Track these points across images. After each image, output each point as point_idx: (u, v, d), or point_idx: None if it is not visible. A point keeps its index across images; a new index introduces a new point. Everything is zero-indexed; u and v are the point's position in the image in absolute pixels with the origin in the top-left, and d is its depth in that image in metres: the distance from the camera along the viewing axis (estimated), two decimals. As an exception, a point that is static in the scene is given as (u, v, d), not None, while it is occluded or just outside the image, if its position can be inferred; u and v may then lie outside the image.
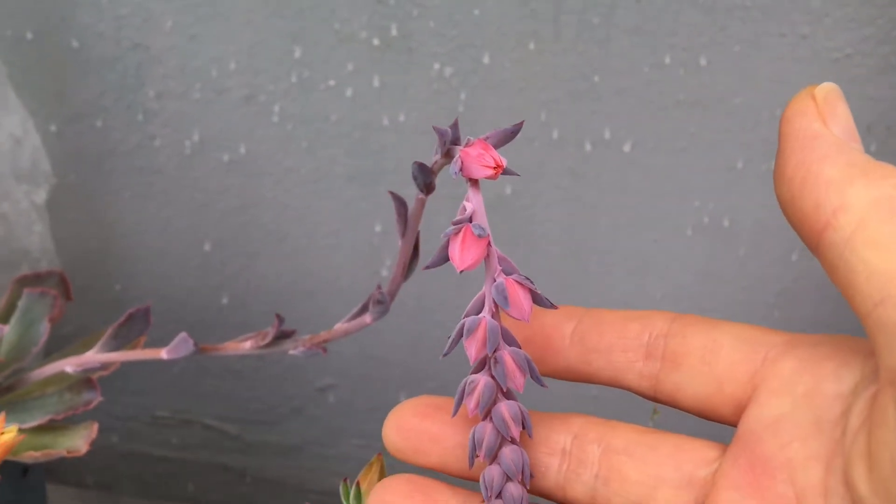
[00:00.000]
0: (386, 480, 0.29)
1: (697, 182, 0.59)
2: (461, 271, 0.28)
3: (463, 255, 0.28)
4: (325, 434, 0.72)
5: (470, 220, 0.28)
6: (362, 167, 0.61)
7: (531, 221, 0.62)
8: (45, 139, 0.61)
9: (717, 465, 0.27)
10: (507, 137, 0.29)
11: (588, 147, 0.59)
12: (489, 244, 0.29)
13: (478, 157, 0.28)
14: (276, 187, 0.63)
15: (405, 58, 0.58)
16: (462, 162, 0.28)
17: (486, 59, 0.57)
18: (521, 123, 0.29)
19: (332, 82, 0.59)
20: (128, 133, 0.62)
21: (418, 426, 0.28)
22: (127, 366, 0.70)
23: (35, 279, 0.46)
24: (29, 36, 0.59)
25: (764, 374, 0.27)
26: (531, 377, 0.29)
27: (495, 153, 0.28)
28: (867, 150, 0.60)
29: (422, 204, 0.34)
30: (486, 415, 0.29)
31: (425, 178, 0.32)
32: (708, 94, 0.57)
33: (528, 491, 0.29)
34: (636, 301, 0.64)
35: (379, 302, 0.36)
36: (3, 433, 0.30)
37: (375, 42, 0.57)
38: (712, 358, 0.28)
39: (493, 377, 0.29)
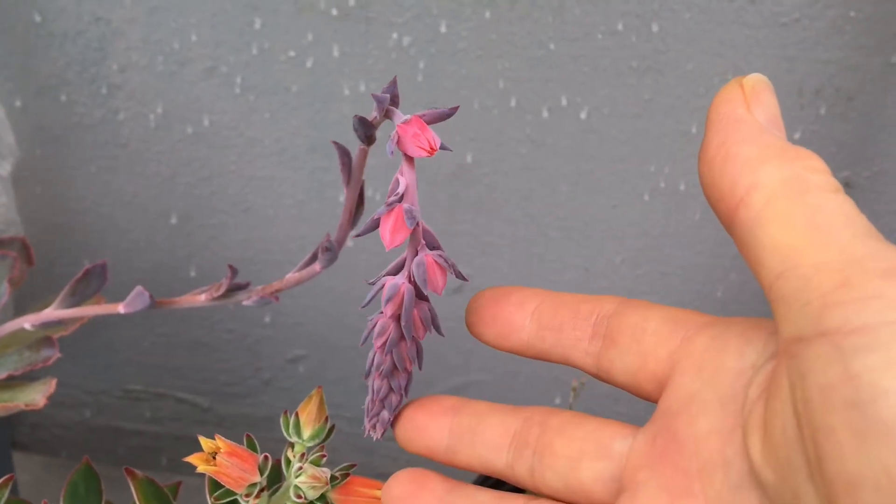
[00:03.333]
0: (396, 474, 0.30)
1: (653, 147, 0.61)
2: (389, 248, 0.29)
3: (393, 236, 0.29)
4: (295, 405, 0.73)
5: (401, 198, 0.29)
6: (324, 137, 0.62)
7: (492, 189, 0.63)
8: (10, 113, 0.62)
9: (632, 440, 0.29)
10: (441, 117, 0.30)
11: (545, 114, 0.60)
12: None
13: (414, 137, 0.28)
14: (240, 159, 0.64)
15: (364, 27, 0.58)
16: (399, 137, 0.29)
17: (443, 28, 0.58)
18: (457, 108, 0.30)
19: (292, 53, 0.60)
20: (92, 107, 0.63)
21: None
22: (99, 340, 0.71)
23: (-4, 245, 0.47)
24: (-9, 10, 0.60)
25: (680, 353, 0.28)
26: (434, 328, 0.31)
27: (431, 134, 0.29)
28: (816, 114, 0.61)
29: (364, 154, 0.35)
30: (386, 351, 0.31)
31: (366, 131, 0.33)
32: (661, 60, 0.58)
33: (485, 473, 0.31)
34: (596, 265, 0.65)
35: (327, 249, 0.37)
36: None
37: (334, 12, 0.58)
38: (641, 335, 0.29)
39: (401, 328, 0.30)
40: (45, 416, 0.74)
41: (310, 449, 0.30)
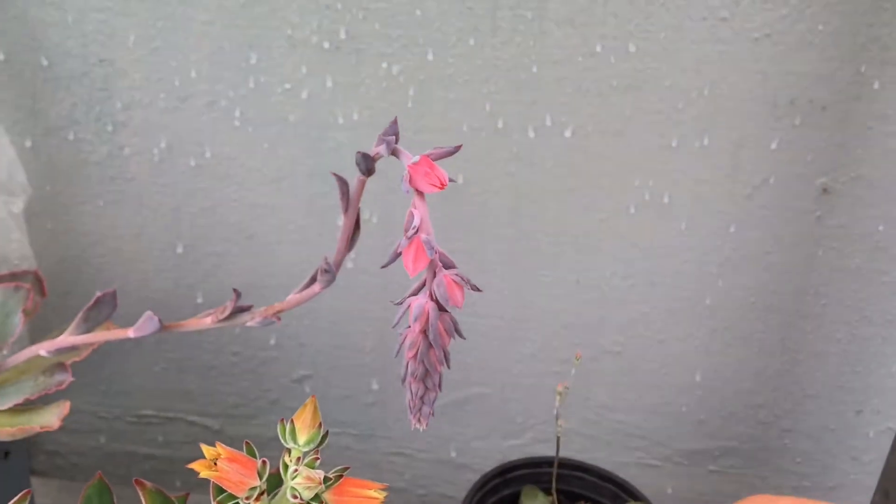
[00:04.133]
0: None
1: (636, 162, 0.63)
2: (413, 275, 0.32)
3: (415, 265, 0.32)
4: (303, 424, 0.75)
5: (417, 231, 0.32)
6: (321, 164, 0.65)
7: (484, 207, 0.65)
8: (21, 153, 0.65)
9: None
10: (446, 155, 0.34)
11: (532, 134, 0.63)
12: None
13: (425, 175, 0.32)
14: (241, 188, 0.66)
15: (355, 59, 0.61)
16: (410, 176, 0.32)
17: (430, 56, 0.61)
18: (460, 146, 0.34)
19: (287, 85, 0.62)
20: (99, 144, 0.66)
21: None
22: (111, 368, 0.74)
23: (10, 277, 0.49)
24: (1, 57, 0.63)
25: None
26: (456, 334, 0.34)
27: (440, 172, 0.32)
28: (792, 124, 0.64)
29: (362, 184, 0.37)
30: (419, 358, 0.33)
31: (367, 165, 0.36)
32: (639, 78, 0.60)
33: None
34: (587, 277, 0.67)
35: (325, 271, 0.39)
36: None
37: (326, 45, 0.61)
38: None
39: (429, 339, 0.33)
40: (62, 443, 0.77)
41: (305, 453, 0.32)
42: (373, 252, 0.68)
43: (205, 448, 0.31)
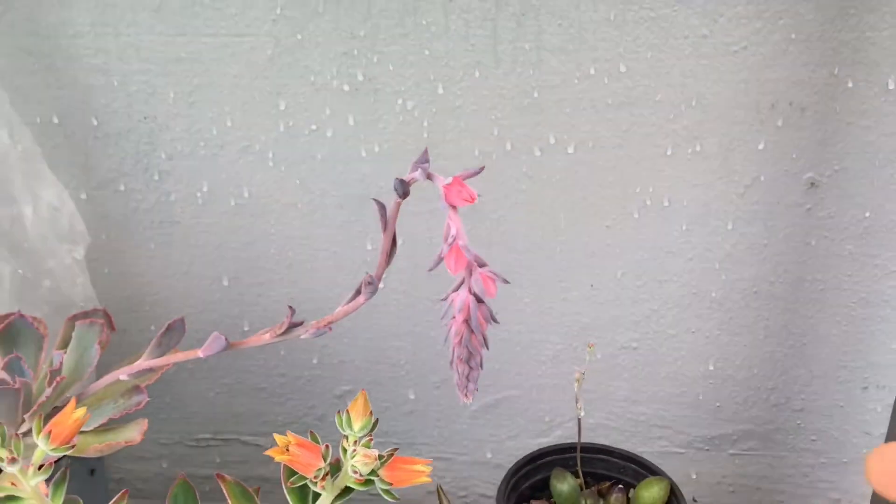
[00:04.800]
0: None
1: (635, 171, 0.69)
2: (454, 274, 0.38)
3: (456, 266, 0.38)
4: (348, 437, 0.81)
5: (454, 239, 0.38)
6: (349, 195, 0.71)
7: (500, 223, 0.71)
8: (78, 205, 0.71)
9: None
10: (474, 174, 0.40)
11: (538, 153, 0.69)
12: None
13: (458, 193, 0.38)
14: (278, 222, 0.73)
15: (372, 98, 0.68)
16: (445, 194, 0.38)
17: (440, 90, 0.67)
18: (483, 167, 0.40)
19: (314, 126, 0.69)
20: (147, 192, 0.72)
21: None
22: (170, 396, 0.80)
23: (84, 315, 0.56)
24: (55, 120, 0.70)
25: None
26: (493, 320, 0.39)
27: (469, 189, 0.38)
28: (775, 126, 0.70)
29: (398, 206, 0.43)
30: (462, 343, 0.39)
31: (404, 189, 0.42)
32: (631, 95, 0.66)
33: None
34: (600, 281, 0.72)
35: (369, 283, 0.45)
36: (74, 415, 0.39)
37: (346, 88, 0.67)
38: None
39: (470, 327, 0.38)
40: (127, 470, 0.83)
41: (360, 438, 0.38)
42: (401, 272, 0.74)
43: (277, 437, 0.37)
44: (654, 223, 0.70)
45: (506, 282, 0.40)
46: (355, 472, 0.37)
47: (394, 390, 0.78)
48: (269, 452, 0.37)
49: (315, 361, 0.78)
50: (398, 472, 0.37)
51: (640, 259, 0.72)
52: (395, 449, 0.38)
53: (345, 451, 0.38)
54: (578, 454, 0.56)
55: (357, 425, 0.38)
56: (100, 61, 0.68)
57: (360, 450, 0.37)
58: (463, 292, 0.37)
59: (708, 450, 0.79)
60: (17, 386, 0.49)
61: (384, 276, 0.76)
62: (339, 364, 0.78)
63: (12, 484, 0.38)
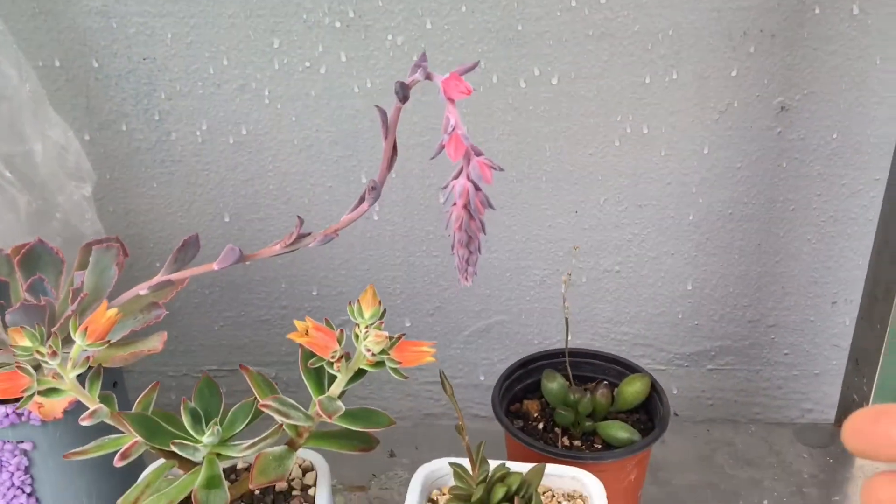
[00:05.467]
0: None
1: (616, 100, 0.72)
2: (455, 161, 0.41)
3: (456, 152, 0.40)
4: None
5: (454, 128, 0.41)
6: (343, 131, 0.74)
7: (488, 153, 0.74)
8: (82, 145, 0.74)
9: None
10: (469, 69, 0.42)
11: (523, 85, 0.72)
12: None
13: (455, 85, 0.40)
14: (275, 158, 0.76)
15: (363, 34, 0.70)
16: (444, 88, 0.41)
17: (428, 25, 0.70)
18: (476, 63, 0.42)
19: (307, 63, 0.72)
20: (148, 132, 0.75)
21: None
22: (177, 329, 0.84)
23: (98, 242, 0.59)
24: (57, 63, 0.72)
25: None
26: (489, 206, 0.42)
27: (466, 83, 0.41)
28: (747, 52, 0.73)
29: (398, 111, 0.46)
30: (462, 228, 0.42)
31: (404, 92, 0.45)
32: (611, 26, 0.69)
33: None
34: (584, 207, 0.76)
35: (373, 188, 0.47)
36: (108, 314, 0.42)
37: (337, 25, 0.70)
38: None
39: (469, 212, 0.41)
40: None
41: (370, 324, 0.41)
42: (394, 205, 0.77)
43: (297, 322, 0.41)
44: (634, 150, 0.74)
45: (501, 169, 0.43)
46: (368, 351, 0.40)
47: (390, 318, 0.82)
48: (290, 336, 0.40)
49: (315, 293, 0.82)
50: (406, 353, 0.41)
51: (621, 185, 0.76)
52: (403, 334, 0.42)
53: (357, 336, 0.41)
54: (567, 353, 0.60)
55: (367, 314, 0.41)
56: (98, 4, 0.70)
57: (372, 332, 0.41)
58: (462, 179, 0.40)
59: (687, 366, 0.83)
60: (42, 303, 0.52)
61: (377, 209, 0.79)
62: (338, 295, 0.82)
63: (53, 377, 0.42)
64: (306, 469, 0.52)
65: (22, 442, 0.54)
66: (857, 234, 0.76)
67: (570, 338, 0.82)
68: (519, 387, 0.60)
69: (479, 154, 0.40)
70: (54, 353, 0.41)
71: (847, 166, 0.74)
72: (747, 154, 0.74)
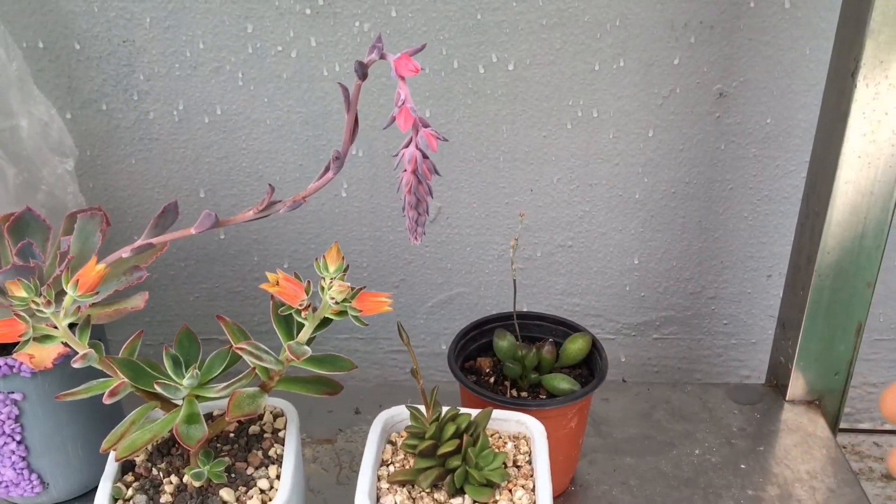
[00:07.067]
0: None
1: (568, 85, 0.78)
2: (404, 131, 0.45)
3: (405, 123, 0.45)
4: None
5: (404, 102, 0.46)
6: (312, 111, 0.79)
7: (449, 135, 0.80)
8: (64, 123, 0.78)
9: None
10: (417, 51, 0.47)
11: (482, 70, 0.77)
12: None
13: (405, 65, 0.45)
14: (248, 137, 0.80)
15: (332, 21, 0.75)
16: (395, 67, 0.46)
17: (393, 13, 0.75)
18: (424, 45, 0.47)
19: (279, 48, 0.76)
20: (127, 112, 0.79)
21: None
22: (154, 300, 0.88)
23: (82, 212, 0.63)
24: (40, 45, 0.76)
25: None
26: (435, 172, 0.47)
27: (414, 62, 0.46)
28: (688, 42, 0.79)
29: (358, 88, 0.50)
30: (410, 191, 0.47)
31: (363, 70, 0.49)
32: (563, 16, 0.75)
33: None
34: (538, 185, 0.82)
35: (336, 159, 0.52)
36: (97, 268, 0.47)
37: (307, 11, 0.75)
38: None
39: (417, 177, 0.46)
40: (115, 371, 0.91)
41: (333, 277, 0.46)
42: (361, 182, 0.82)
43: (269, 274, 0.45)
44: (584, 133, 0.80)
45: (445, 139, 0.48)
46: (332, 300, 0.45)
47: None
48: (263, 286, 0.45)
49: (286, 265, 0.86)
50: (366, 302, 0.46)
51: (573, 165, 0.81)
52: (364, 286, 0.47)
53: (322, 288, 0.46)
54: (515, 314, 0.65)
55: (332, 268, 0.46)
56: (80, -11, 0.74)
57: (336, 283, 0.45)
58: (411, 148, 0.45)
59: (634, 335, 0.89)
60: (31, 265, 0.56)
61: (345, 186, 0.84)
62: (308, 267, 0.86)
63: (46, 326, 0.47)
64: (277, 415, 0.57)
65: (13, 392, 0.58)
66: (789, 211, 0.83)
67: (524, 309, 0.87)
68: (473, 346, 0.65)
69: (426, 126, 0.45)
70: (49, 302, 0.45)
71: (780, 149, 0.80)
72: (689, 137, 0.80)
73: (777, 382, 0.78)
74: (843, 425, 0.94)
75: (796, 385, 0.76)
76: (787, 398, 0.77)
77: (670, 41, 0.76)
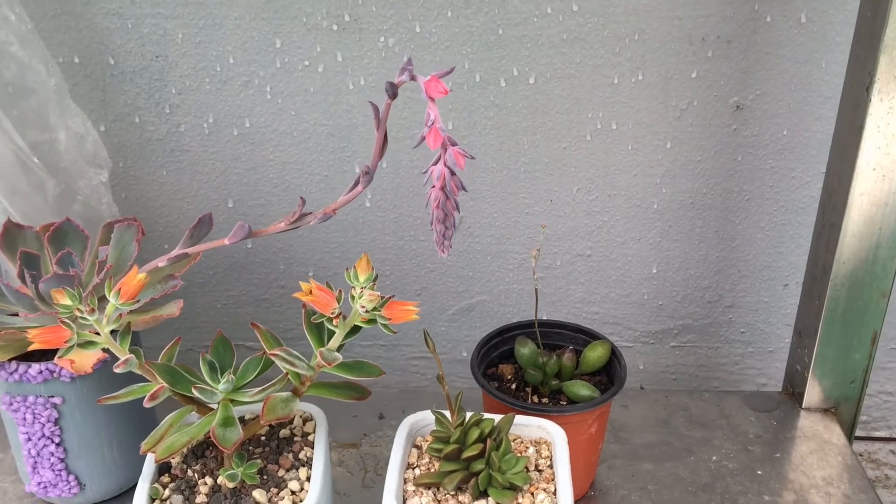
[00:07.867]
0: None
1: (587, 98, 0.79)
2: (433, 150, 0.47)
3: (434, 142, 0.47)
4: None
5: (433, 122, 0.48)
6: (338, 124, 0.81)
7: (471, 147, 0.82)
8: (99, 136, 0.81)
9: None
10: (446, 73, 0.49)
11: (503, 83, 0.79)
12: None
13: (434, 87, 0.47)
14: (276, 149, 0.83)
15: (358, 36, 0.77)
16: (425, 88, 0.48)
17: (417, 29, 0.77)
18: (453, 68, 0.49)
19: (306, 62, 0.79)
20: (159, 124, 0.82)
21: None
22: (183, 309, 0.90)
23: (118, 222, 0.66)
24: (76, 60, 0.79)
25: None
26: (463, 189, 0.49)
27: (444, 84, 0.48)
28: (705, 56, 0.81)
29: (388, 107, 0.53)
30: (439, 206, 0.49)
31: (393, 90, 0.51)
32: (583, 31, 0.77)
33: None
34: (558, 196, 0.84)
35: (366, 173, 0.54)
36: (138, 277, 0.49)
37: (334, 27, 0.77)
38: None
39: (445, 193, 0.48)
40: (144, 376, 0.93)
41: (364, 286, 0.48)
42: (385, 193, 0.84)
43: (302, 284, 0.47)
44: (603, 144, 0.81)
45: (472, 157, 0.50)
46: (362, 308, 0.47)
47: (380, 298, 0.89)
48: (296, 295, 0.47)
49: (311, 274, 0.88)
50: (394, 310, 0.48)
51: (593, 176, 0.83)
52: (393, 295, 0.49)
53: (353, 297, 0.48)
54: (536, 321, 0.67)
55: (362, 277, 0.48)
56: (115, 5, 0.77)
57: (366, 292, 0.47)
58: (440, 165, 0.47)
59: (652, 343, 0.91)
60: (71, 273, 0.59)
61: (369, 196, 0.86)
62: (333, 276, 0.88)
63: (89, 332, 0.49)
64: (306, 419, 0.59)
65: (53, 396, 0.61)
66: (806, 222, 0.84)
67: (544, 317, 0.89)
68: (495, 353, 0.67)
69: (454, 144, 0.47)
70: (93, 310, 0.48)
71: (796, 160, 0.81)
72: (706, 149, 0.81)
73: (793, 390, 0.80)
74: (859, 433, 0.95)
75: (812, 393, 0.77)
76: (803, 406, 0.78)
77: (688, 55, 0.77)
